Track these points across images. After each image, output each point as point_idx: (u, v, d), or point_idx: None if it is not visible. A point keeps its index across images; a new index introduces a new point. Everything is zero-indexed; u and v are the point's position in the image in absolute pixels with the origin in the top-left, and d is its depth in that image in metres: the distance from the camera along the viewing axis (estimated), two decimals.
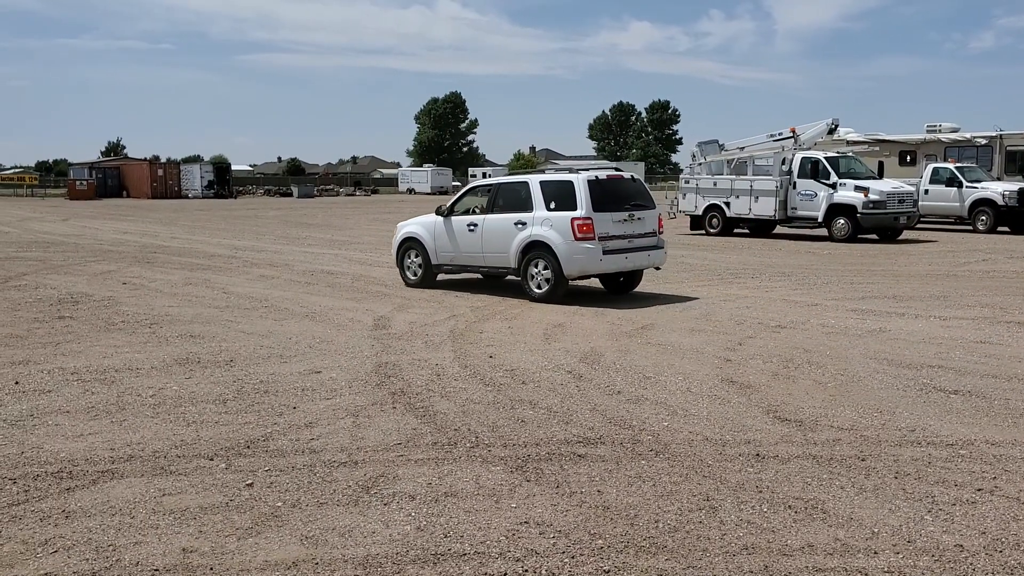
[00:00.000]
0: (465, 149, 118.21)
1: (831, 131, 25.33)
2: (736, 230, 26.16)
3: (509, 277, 13.52)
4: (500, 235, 12.74)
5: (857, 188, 23.04)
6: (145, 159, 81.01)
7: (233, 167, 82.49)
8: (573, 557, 4.16)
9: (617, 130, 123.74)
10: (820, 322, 10.52)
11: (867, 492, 4.96)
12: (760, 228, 25.71)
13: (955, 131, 29.90)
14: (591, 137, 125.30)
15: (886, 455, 5.60)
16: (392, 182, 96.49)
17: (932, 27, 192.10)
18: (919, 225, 26.12)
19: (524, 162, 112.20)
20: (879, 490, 4.98)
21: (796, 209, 24.26)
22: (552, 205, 12.25)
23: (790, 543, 4.28)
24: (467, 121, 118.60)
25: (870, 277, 15.38)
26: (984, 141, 28.79)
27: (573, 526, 4.52)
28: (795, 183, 24.18)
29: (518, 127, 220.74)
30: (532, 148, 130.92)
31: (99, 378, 7.76)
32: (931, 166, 27.34)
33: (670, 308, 11.77)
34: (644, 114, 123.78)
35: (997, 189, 25.68)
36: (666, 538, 4.36)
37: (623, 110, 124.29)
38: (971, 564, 4.05)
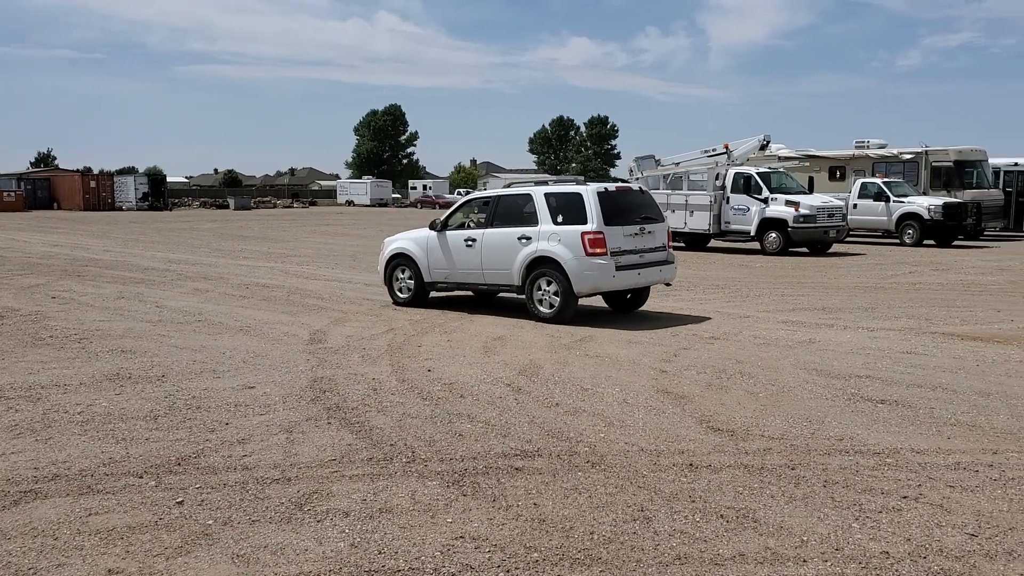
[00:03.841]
0: (405, 161, 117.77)
1: (763, 147, 25.89)
2: (672, 244, 26.45)
3: (506, 295, 12.93)
4: (501, 251, 12.07)
5: (788, 203, 23.57)
6: (77, 170, 79.07)
7: (169, 179, 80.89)
8: (508, 571, 4.17)
9: (557, 144, 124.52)
10: (752, 333, 10.71)
11: (797, 501, 5.05)
12: (695, 242, 26.11)
13: (882, 147, 30.78)
14: (532, 151, 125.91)
15: (815, 464, 5.72)
16: (331, 194, 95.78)
17: (860, 46, 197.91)
18: (848, 238, 26.79)
19: (465, 175, 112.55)
20: (808, 498, 5.09)
21: (730, 223, 24.72)
22: (559, 219, 11.59)
23: (722, 552, 4.34)
24: (407, 133, 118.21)
25: (801, 289, 15.72)
26: (910, 157, 29.70)
27: (509, 540, 4.52)
28: (728, 198, 24.64)
29: (459, 140, 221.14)
30: (473, 161, 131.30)
31: (24, 395, 7.54)
32: (859, 181, 28.08)
33: (608, 320, 11.86)
34: (583, 128, 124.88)
35: (923, 203, 26.48)
36: (600, 549, 4.38)
37: (563, 124, 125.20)
38: (896, 570, 4.15)
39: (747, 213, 24.19)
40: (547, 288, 11.65)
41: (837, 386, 7.91)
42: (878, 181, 27.63)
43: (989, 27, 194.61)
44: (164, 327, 11.15)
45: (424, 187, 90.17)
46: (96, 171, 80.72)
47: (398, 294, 13.42)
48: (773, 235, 23.65)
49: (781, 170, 27.22)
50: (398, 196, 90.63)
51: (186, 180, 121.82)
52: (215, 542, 4.51)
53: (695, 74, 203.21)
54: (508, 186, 13.61)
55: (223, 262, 21.18)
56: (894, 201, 26.80)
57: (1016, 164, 31.67)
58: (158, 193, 68.37)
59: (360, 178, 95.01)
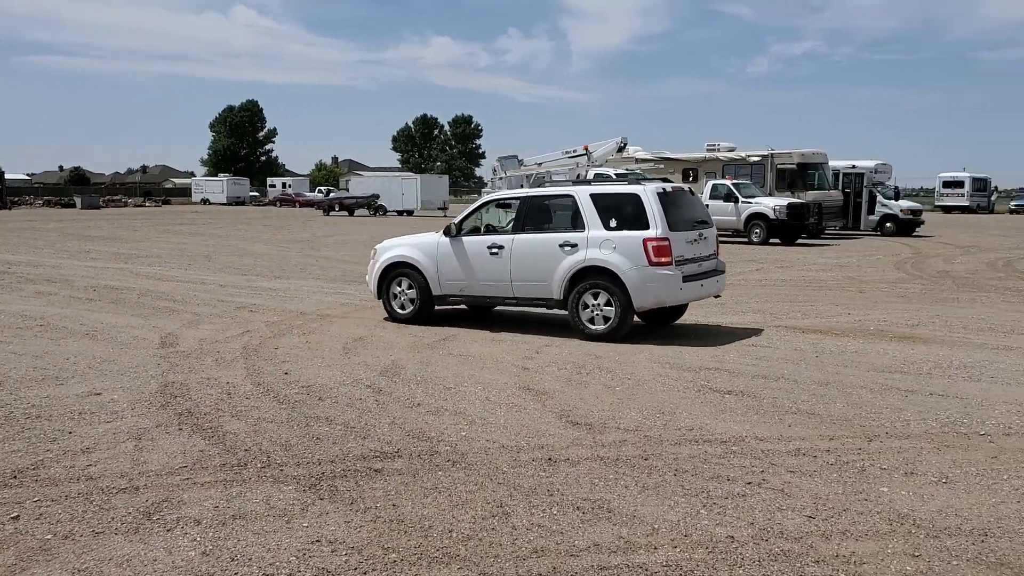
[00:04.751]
0: (263, 158, 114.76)
1: (620, 149, 26.67)
2: None
3: (540, 310, 11.44)
4: (537, 259, 10.62)
5: None
6: None
7: (8, 176, 75.81)
8: (365, 573, 4.13)
9: (421, 143, 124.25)
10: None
11: (649, 490, 5.22)
12: None
13: (732, 150, 32.17)
14: (395, 149, 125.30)
15: (667, 454, 5.92)
16: (185, 192, 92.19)
17: (713, 52, 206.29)
18: None
19: (327, 173, 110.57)
20: (660, 487, 5.27)
21: None
22: (612, 223, 10.27)
23: (577, 543, 4.44)
24: (265, 130, 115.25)
25: None
26: (757, 159, 31.16)
27: (366, 542, 4.48)
28: None
29: (319, 137, 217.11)
30: (334, 159, 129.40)
31: None
32: (711, 183, 29.23)
33: (472, 319, 11.91)
34: (447, 127, 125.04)
35: (769, 204, 27.81)
36: (459, 547, 4.41)
37: (427, 123, 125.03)
38: (740, 554, 4.35)
39: None
40: (598, 302, 10.24)
41: (688, 378, 8.21)
42: (728, 183, 28.84)
43: (830, 36, 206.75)
44: (1, 333, 10.48)
45: (284, 185, 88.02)
46: None
47: (397, 310, 11.67)
48: None
49: (638, 171, 28.06)
50: (256, 194, 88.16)
51: (27, 178, 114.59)
52: (54, 558, 4.27)
53: (557, 76, 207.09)
54: (542, 183, 12.62)
55: (69, 263, 20.07)
56: (742, 202, 28.02)
57: (854, 166, 33.71)
58: None
59: (216, 176, 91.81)
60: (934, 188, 65.61)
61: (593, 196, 10.50)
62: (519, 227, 10.96)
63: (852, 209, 33.00)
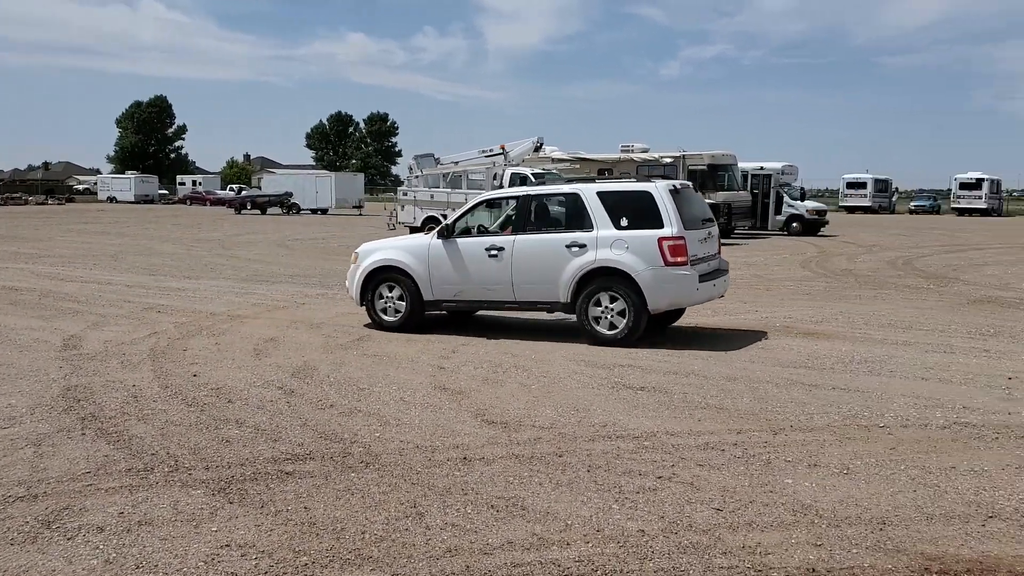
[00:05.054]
0: (173, 156, 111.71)
1: (537, 149, 26.77)
2: None
3: (539, 314, 11.07)
4: (542, 261, 10.16)
5: None
6: None
7: None
8: None
9: (335, 140, 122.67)
10: (527, 327, 11.04)
11: (563, 486, 5.27)
12: None
13: (646, 151, 32.65)
14: (309, 146, 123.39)
15: (580, 450, 5.99)
16: (91, 190, 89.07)
17: (627, 54, 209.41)
18: None
19: (238, 170, 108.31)
20: (573, 484, 5.32)
21: None
22: (623, 222, 9.92)
23: (491, 542, 4.45)
24: (174, 126, 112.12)
25: None
26: (670, 161, 31.69)
27: (277, 545, 4.41)
28: None
29: (231, 134, 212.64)
30: (247, 156, 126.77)
31: None
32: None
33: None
34: (363, 125, 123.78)
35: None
36: (372, 548, 4.37)
37: (341, 120, 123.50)
38: (651, 547, 4.43)
39: None
40: (610, 305, 9.87)
41: (603, 375, 8.32)
42: None
43: (740, 40, 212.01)
44: None
45: (194, 183, 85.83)
46: None
47: (383, 316, 10.98)
48: None
49: (555, 171, 28.28)
50: (166, 192, 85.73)
51: None
52: None
53: (473, 75, 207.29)
54: (543, 181, 12.04)
55: None
56: None
57: (762, 168, 34.63)
58: None
59: (123, 173, 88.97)
60: (838, 189, 67.92)
61: (600, 194, 10.13)
62: (520, 227, 10.48)
63: (760, 209, 33.86)
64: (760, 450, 6.02)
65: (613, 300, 9.85)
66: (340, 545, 4.42)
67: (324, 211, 55.93)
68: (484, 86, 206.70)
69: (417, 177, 27.62)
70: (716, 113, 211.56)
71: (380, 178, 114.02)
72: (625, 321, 9.78)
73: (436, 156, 27.35)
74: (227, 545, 4.40)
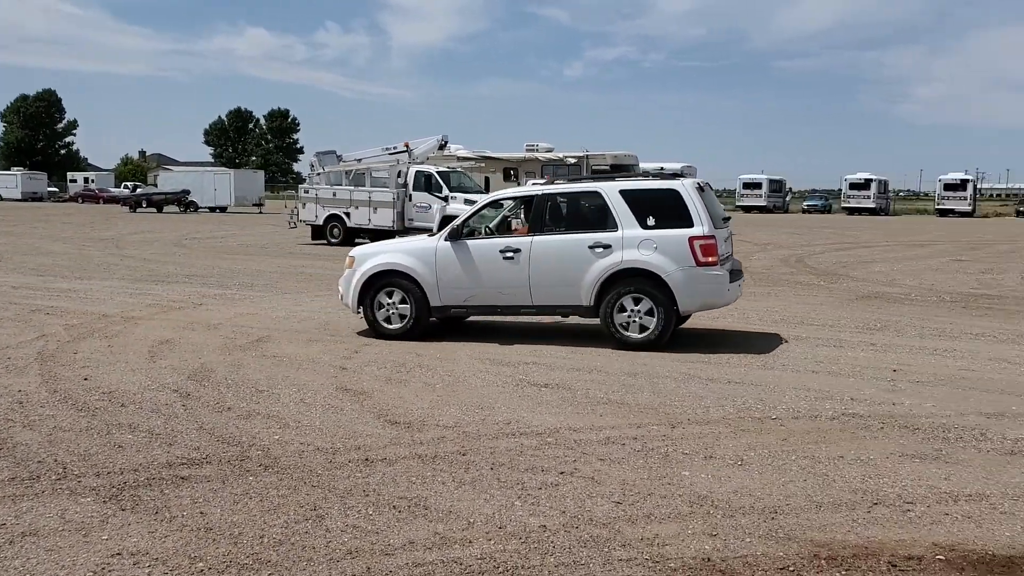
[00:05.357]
0: (63, 152, 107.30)
1: (441, 147, 26.73)
2: (357, 240, 26.60)
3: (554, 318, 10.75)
4: (564, 263, 9.79)
5: (467, 201, 24.48)
6: None
7: None
8: None
9: (235, 137, 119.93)
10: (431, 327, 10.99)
11: (466, 485, 5.28)
12: (380, 238, 26.22)
13: (550, 151, 32.94)
14: (208, 143, 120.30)
15: (484, 448, 6.01)
16: None
17: (531, 54, 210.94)
18: None
19: (133, 167, 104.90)
20: (476, 482, 5.34)
21: (413, 220, 25.29)
22: (650, 221, 9.60)
23: (392, 542, 4.43)
24: (64, 121, 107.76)
25: None
26: (574, 160, 32.06)
27: (172, 552, 4.29)
28: (411, 195, 25.19)
29: (126, 130, 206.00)
30: (142, 152, 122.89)
31: None
32: (530, 182, 29.75)
33: (288, 319, 11.63)
34: (263, 121, 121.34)
35: None
36: (271, 552, 4.30)
37: (241, 116, 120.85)
38: (552, 542, 4.47)
39: (429, 210, 24.88)
40: (636, 308, 9.55)
41: (507, 373, 8.36)
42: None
43: (641, 43, 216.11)
44: None
45: (86, 180, 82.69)
46: None
47: (384, 324, 10.30)
48: None
49: (459, 170, 28.26)
50: (55, 190, 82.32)
51: None
52: None
53: (377, 72, 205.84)
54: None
55: None
56: None
57: (662, 168, 35.29)
58: None
59: (9, 169, 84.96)
60: (735, 189, 69.92)
61: (624, 192, 9.77)
62: (537, 227, 10.08)
63: None
64: (659, 443, 6.15)
65: (637, 302, 9.56)
66: (238, 550, 4.32)
67: (223, 209, 54.71)
68: (388, 83, 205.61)
69: (319, 175, 27.23)
70: (619, 113, 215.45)
71: (281, 176, 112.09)
72: (654, 324, 9.50)
73: (338, 153, 27.01)
74: (118, 554, 4.26)
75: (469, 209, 10.81)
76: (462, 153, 32.36)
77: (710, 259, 9.42)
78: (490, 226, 10.83)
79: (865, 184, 62.95)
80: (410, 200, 25.22)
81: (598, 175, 33.47)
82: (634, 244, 9.54)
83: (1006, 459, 5.84)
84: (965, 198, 61.11)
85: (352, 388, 7.76)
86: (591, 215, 10.04)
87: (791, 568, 4.18)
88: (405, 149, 25.18)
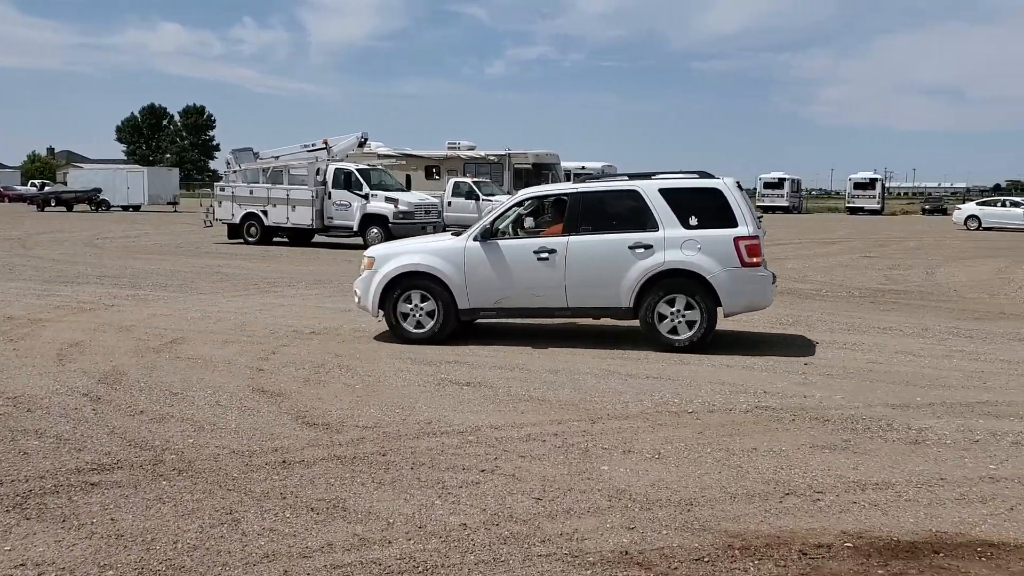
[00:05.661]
0: None
1: (361, 144, 26.49)
2: (275, 239, 26.19)
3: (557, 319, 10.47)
4: (602, 264, 9.53)
5: (388, 199, 24.35)
6: None
7: None
8: None
9: (149, 133, 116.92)
10: (352, 327, 10.91)
11: (386, 485, 5.25)
12: (299, 237, 25.99)
13: (472, 149, 33.00)
14: (120, 140, 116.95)
15: (405, 448, 5.98)
16: None
17: (452, 52, 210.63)
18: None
19: (41, 164, 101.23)
20: (396, 482, 5.31)
21: (332, 218, 24.98)
22: (692, 220, 9.39)
23: (310, 545, 4.37)
24: None
25: None
26: (496, 159, 32.16)
27: (80, 560, 4.15)
28: (330, 193, 24.88)
29: (32, 126, 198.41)
30: (50, 149, 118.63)
31: None
32: (453, 180, 29.79)
33: (203, 320, 11.38)
34: (178, 118, 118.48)
35: (504, 200, 28.78)
36: (184, 558, 4.20)
37: (155, 113, 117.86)
38: (472, 540, 4.48)
39: (349, 209, 24.60)
40: (679, 309, 9.36)
41: (429, 372, 8.33)
42: (469, 181, 29.54)
43: (561, 43, 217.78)
44: None
45: None
46: None
47: (409, 329, 9.93)
48: (375, 230, 24.24)
49: (380, 167, 28.05)
50: None
51: None
52: None
53: (295, 69, 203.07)
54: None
55: None
56: (483, 199, 28.82)
57: (583, 168, 35.80)
58: None
59: None
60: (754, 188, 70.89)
61: (664, 191, 9.53)
62: (572, 228, 9.74)
63: None
64: (579, 439, 6.21)
65: (680, 304, 9.39)
66: (150, 556, 4.21)
67: (136, 208, 53.27)
68: (307, 80, 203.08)
69: (235, 172, 26.70)
70: (540, 112, 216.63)
71: (197, 173, 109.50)
72: (697, 325, 9.33)
73: (255, 150, 26.52)
74: (22, 564, 4.11)
75: (499, 208, 10.47)
76: (383, 151, 32.16)
77: (755, 260, 9.30)
78: (507, 225, 10.40)
79: (779, 183, 64.62)
80: (329, 198, 24.89)
81: (601, 175, 33.66)
82: (676, 244, 9.35)
83: (911, 448, 6.07)
84: (874, 197, 63.27)
85: (269, 389, 7.63)
86: (629, 215, 9.71)
87: (706, 559, 4.27)
88: (324, 146, 24.87)
